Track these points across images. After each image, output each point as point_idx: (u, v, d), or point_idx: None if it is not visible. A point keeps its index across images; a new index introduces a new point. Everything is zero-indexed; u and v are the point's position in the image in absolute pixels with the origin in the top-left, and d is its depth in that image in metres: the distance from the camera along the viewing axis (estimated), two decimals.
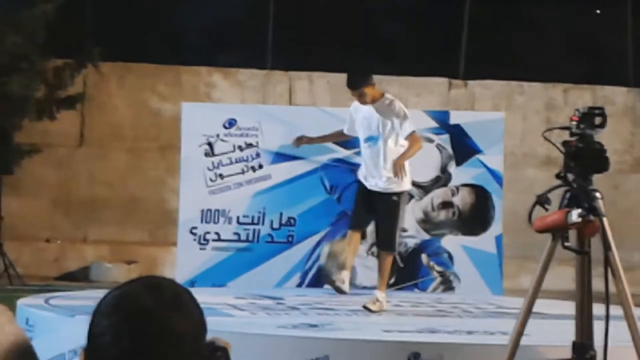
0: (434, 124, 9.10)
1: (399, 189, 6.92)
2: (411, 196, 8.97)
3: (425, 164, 8.97)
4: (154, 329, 1.63)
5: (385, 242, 7.00)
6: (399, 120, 6.87)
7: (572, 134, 4.14)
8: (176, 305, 1.66)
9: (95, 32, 13.49)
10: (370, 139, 6.96)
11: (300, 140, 7.62)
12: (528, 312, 4.11)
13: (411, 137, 6.96)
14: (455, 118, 9.25)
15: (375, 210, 7.02)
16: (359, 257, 8.88)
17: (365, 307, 6.68)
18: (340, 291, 7.10)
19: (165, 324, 1.63)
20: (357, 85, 6.92)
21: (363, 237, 8.90)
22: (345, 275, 7.13)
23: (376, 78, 14.49)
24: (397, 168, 6.85)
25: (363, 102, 6.94)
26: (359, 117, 7.06)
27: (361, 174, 7.18)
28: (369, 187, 7.01)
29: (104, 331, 1.65)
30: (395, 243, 7.01)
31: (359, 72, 7.12)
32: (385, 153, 6.88)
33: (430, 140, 9.04)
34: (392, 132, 6.88)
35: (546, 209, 4.08)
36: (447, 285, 8.88)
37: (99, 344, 1.64)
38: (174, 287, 1.71)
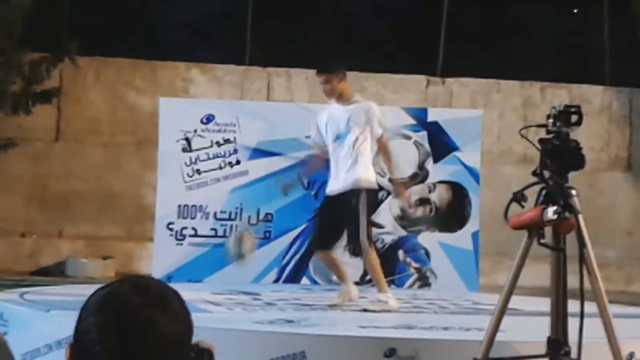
0: (411, 121, 9.13)
1: (364, 186, 6.60)
2: (388, 193, 9.00)
3: (402, 160, 8.99)
4: (139, 328, 1.64)
5: (354, 247, 6.67)
6: (369, 120, 6.65)
7: (548, 132, 4.16)
8: (162, 306, 1.67)
9: (72, 26, 13.42)
10: (338, 138, 6.70)
11: (289, 187, 7.42)
12: (503, 309, 4.13)
13: (380, 141, 6.77)
14: (432, 115, 9.28)
15: (343, 216, 6.70)
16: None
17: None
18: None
19: (151, 324, 1.64)
20: (325, 69, 6.69)
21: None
22: (353, 290, 6.84)
23: (355, 75, 14.50)
24: (404, 195, 7.00)
25: (327, 91, 6.72)
26: (324, 119, 6.80)
27: (328, 185, 6.86)
28: (334, 192, 6.70)
29: (89, 328, 1.66)
30: (363, 246, 6.63)
31: (332, 60, 6.96)
32: (353, 150, 6.63)
33: (408, 137, 9.07)
34: (362, 131, 6.65)
35: (522, 206, 4.10)
36: (424, 281, 8.91)
37: (85, 341, 1.65)
38: (162, 287, 1.72)
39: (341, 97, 6.72)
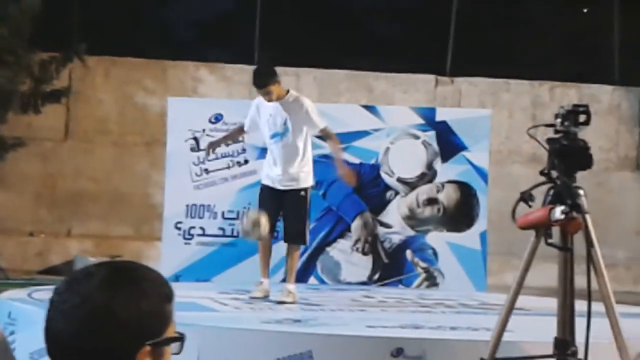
0: (420, 120, 9.11)
1: (305, 185, 6.95)
2: (396, 192, 8.99)
3: (411, 160, 8.99)
4: (87, 309, 1.69)
5: (297, 235, 6.96)
6: (307, 116, 6.87)
7: (556, 132, 4.15)
8: (124, 290, 1.70)
9: (82, 26, 13.44)
10: (276, 135, 6.92)
11: (211, 146, 7.50)
12: (511, 308, 4.12)
13: (326, 131, 7.03)
14: (441, 115, 9.27)
15: (283, 208, 6.96)
16: (343, 253, 8.90)
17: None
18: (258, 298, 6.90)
19: (101, 305, 1.68)
20: (263, 84, 6.88)
21: (348, 229, 8.92)
22: (266, 285, 7.02)
23: (363, 74, 14.50)
24: (349, 176, 7.04)
25: (269, 100, 6.90)
26: (265, 114, 7.00)
27: (264, 174, 7.10)
28: (273, 185, 6.96)
29: (48, 307, 1.75)
30: (307, 235, 7.07)
31: (264, 70, 7.13)
32: (291, 149, 6.87)
33: (416, 137, 9.06)
34: (299, 128, 6.87)
35: (530, 206, 4.09)
36: (432, 281, 8.90)
37: (46, 319, 1.75)
38: (129, 272, 1.73)
39: (279, 98, 6.94)
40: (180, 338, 1.76)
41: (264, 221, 6.82)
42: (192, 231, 8.73)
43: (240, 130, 7.48)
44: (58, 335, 1.71)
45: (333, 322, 5.92)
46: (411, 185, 8.98)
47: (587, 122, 4.12)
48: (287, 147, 6.87)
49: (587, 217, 4.00)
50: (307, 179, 6.96)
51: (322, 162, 8.67)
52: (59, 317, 1.71)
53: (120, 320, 1.68)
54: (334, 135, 7.15)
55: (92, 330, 1.68)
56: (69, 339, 1.69)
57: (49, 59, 12.70)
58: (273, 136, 6.94)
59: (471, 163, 8.99)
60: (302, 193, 6.92)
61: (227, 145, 8.62)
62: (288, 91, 7.02)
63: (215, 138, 7.78)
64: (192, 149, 8.86)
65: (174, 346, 1.75)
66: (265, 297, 6.95)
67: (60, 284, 1.76)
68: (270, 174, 7.00)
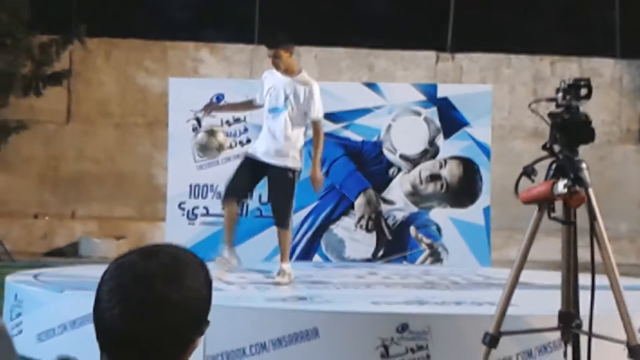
0: (421, 97, 9.11)
1: (292, 165, 6.63)
2: (399, 169, 9.00)
3: (413, 137, 8.99)
4: (142, 296, 1.67)
5: (280, 219, 6.69)
6: (310, 102, 6.59)
7: (557, 106, 4.15)
8: (170, 277, 1.69)
9: (81, 7, 13.41)
10: (275, 110, 6.66)
11: (209, 108, 7.26)
12: (515, 283, 4.14)
13: (317, 125, 6.68)
14: (442, 91, 9.25)
15: (268, 188, 6.77)
16: (347, 231, 8.92)
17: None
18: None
19: (156, 293, 1.67)
20: (274, 43, 6.61)
21: (352, 207, 8.93)
22: (228, 256, 6.75)
23: (364, 52, 14.44)
24: (317, 182, 6.72)
25: (277, 67, 6.64)
26: (268, 85, 6.74)
27: (253, 147, 6.88)
28: (257, 157, 6.68)
29: (100, 297, 1.71)
30: (289, 220, 6.71)
31: (278, 31, 6.86)
32: (287, 128, 6.60)
33: (418, 114, 9.05)
34: (300, 110, 6.61)
35: (532, 180, 4.10)
36: (436, 257, 8.92)
37: (97, 310, 1.71)
38: (174, 258, 1.73)
39: (287, 71, 6.67)
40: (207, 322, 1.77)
41: (220, 131, 6.68)
42: (195, 211, 8.75)
43: (249, 103, 7.17)
44: (114, 325, 1.68)
45: (338, 299, 5.95)
46: (414, 161, 8.99)
47: (588, 96, 4.11)
48: (282, 124, 6.62)
49: (590, 190, 4.01)
50: (295, 161, 6.65)
51: (324, 141, 8.68)
52: (113, 306, 1.68)
53: (174, 308, 1.68)
54: (321, 133, 6.77)
55: (147, 318, 1.67)
56: (125, 328, 1.67)
57: (49, 42, 12.69)
58: (272, 110, 6.71)
59: (473, 139, 8.99)
60: (290, 175, 6.61)
61: (229, 125, 8.59)
62: (301, 70, 6.76)
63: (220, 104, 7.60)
64: (195, 129, 8.86)
65: None
66: (230, 270, 6.73)
67: (108, 274, 1.73)
68: (258, 147, 6.76)
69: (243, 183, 6.72)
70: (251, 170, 6.73)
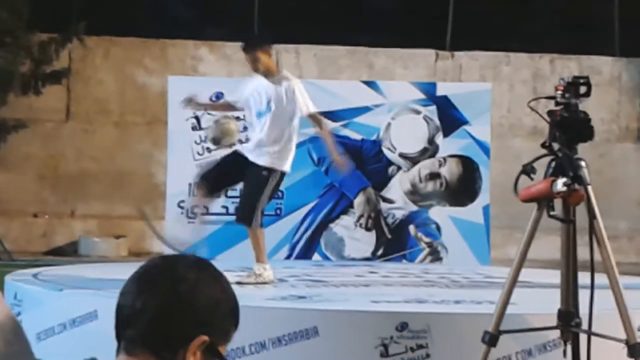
0: (421, 95, 9.11)
1: (271, 165, 6.49)
2: (398, 168, 9.00)
3: (412, 135, 9.00)
4: (162, 271, 1.71)
5: (244, 214, 6.54)
6: (292, 98, 6.46)
7: (557, 104, 4.15)
8: (196, 276, 1.71)
9: (80, 6, 13.41)
10: (259, 114, 6.60)
11: (189, 102, 7.05)
12: (514, 281, 4.13)
13: (313, 117, 6.57)
14: (442, 89, 9.27)
15: (240, 178, 6.68)
16: (346, 229, 8.93)
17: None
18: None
19: (175, 273, 1.69)
20: (249, 47, 6.60)
21: (351, 206, 8.93)
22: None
23: (364, 50, 14.44)
24: (341, 163, 6.69)
25: (255, 70, 6.60)
26: (251, 89, 6.69)
27: (243, 145, 6.85)
28: (242, 152, 6.63)
29: (123, 290, 1.72)
30: (254, 219, 6.44)
31: (255, 35, 6.83)
32: (271, 129, 6.49)
33: (418, 112, 9.06)
34: (284, 110, 6.49)
35: (532, 179, 4.09)
36: (435, 255, 8.92)
37: (119, 303, 1.71)
38: (198, 261, 1.76)
39: (267, 73, 6.60)
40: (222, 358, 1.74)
41: (234, 126, 6.67)
42: (195, 210, 8.74)
43: (229, 105, 7.10)
44: (127, 300, 1.69)
45: (338, 298, 5.95)
46: (413, 160, 8.99)
47: (587, 94, 4.11)
48: (266, 126, 6.51)
49: (589, 188, 4.01)
50: (276, 162, 6.50)
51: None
52: (132, 283, 1.70)
53: (197, 306, 1.68)
54: (322, 121, 6.70)
55: (161, 290, 1.67)
56: (137, 302, 1.67)
57: (49, 40, 12.69)
58: (257, 115, 6.63)
59: (473, 137, 9.00)
60: (264, 172, 6.46)
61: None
62: (281, 70, 6.72)
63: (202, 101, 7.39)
64: (194, 128, 8.86)
65: None
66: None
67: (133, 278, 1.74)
68: (246, 146, 6.72)
69: (222, 177, 6.69)
70: (231, 162, 6.68)
